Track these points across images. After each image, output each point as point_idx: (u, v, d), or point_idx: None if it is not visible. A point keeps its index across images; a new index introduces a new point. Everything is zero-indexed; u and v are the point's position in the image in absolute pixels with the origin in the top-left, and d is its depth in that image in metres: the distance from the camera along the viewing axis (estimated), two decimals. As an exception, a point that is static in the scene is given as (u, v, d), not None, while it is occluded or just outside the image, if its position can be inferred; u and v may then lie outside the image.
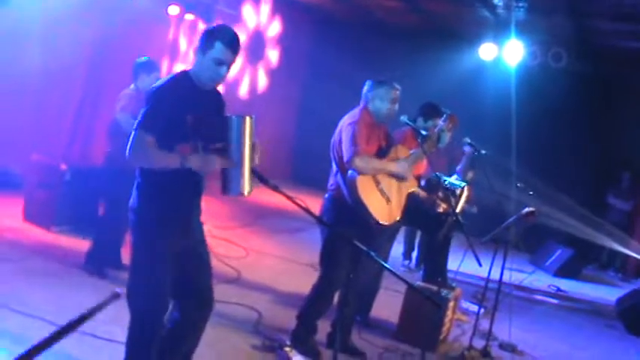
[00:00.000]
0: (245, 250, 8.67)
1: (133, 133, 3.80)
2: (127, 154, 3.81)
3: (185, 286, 4.11)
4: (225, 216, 10.34)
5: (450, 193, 6.68)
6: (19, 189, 8.34)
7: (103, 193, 6.95)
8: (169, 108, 3.82)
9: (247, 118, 3.89)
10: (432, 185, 6.18)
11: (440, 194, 6.46)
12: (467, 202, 9.05)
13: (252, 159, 3.92)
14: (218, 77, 3.96)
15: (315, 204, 5.58)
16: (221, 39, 3.88)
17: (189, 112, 3.86)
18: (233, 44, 3.91)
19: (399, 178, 5.54)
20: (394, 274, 3.66)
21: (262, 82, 14.76)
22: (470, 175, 8.76)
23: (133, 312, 4.05)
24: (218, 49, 3.87)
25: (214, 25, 4.03)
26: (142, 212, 3.98)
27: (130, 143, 3.79)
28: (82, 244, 7.03)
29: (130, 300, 4.02)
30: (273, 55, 14.94)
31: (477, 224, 10.13)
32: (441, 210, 6.60)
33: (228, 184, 3.90)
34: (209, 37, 3.91)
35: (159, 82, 4.02)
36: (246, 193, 3.89)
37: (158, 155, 3.80)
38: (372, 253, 3.58)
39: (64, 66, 9.58)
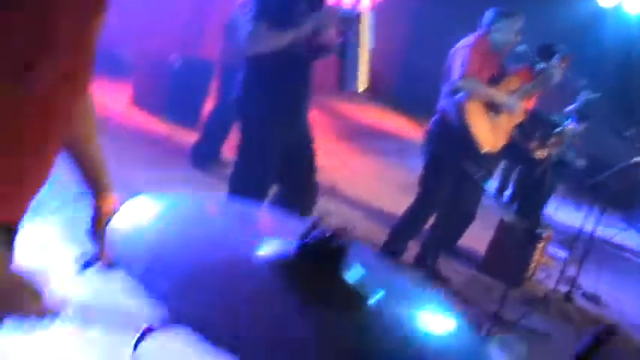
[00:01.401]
0: (342, 163, 8.68)
1: (248, 23, 3.81)
2: (243, 44, 3.83)
3: (289, 178, 4.16)
4: (322, 128, 10.34)
5: (555, 132, 6.50)
6: (126, 74, 8.46)
7: (213, 88, 7.02)
8: None
9: (365, 13, 3.89)
10: (536, 120, 6.03)
11: (540, 135, 6.29)
12: (575, 152, 8.86)
13: (368, 56, 3.93)
14: None
15: (415, 124, 5.54)
16: None
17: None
18: None
19: (508, 110, 5.44)
20: (498, 201, 3.61)
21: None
22: (582, 125, 8.53)
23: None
24: None
25: None
26: (248, 102, 4.04)
27: (246, 34, 3.82)
28: (184, 135, 7.16)
29: (230, 188, 4.11)
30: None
31: (581, 173, 9.93)
32: (539, 154, 6.44)
33: (345, 78, 3.91)
34: None
35: None
36: (360, 89, 3.90)
37: (275, 36, 3.80)
38: (479, 176, 3.54)
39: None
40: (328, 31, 3.89)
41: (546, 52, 6.43)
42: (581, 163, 8.66)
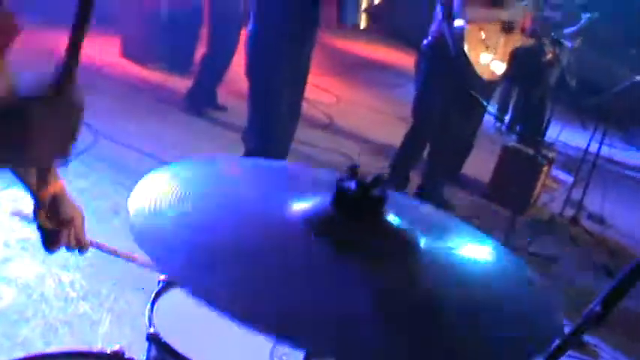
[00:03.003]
0: (337, 98, 8.61)
1: None
2: None
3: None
4: (317, 63, 10.19)
5: (557, 43, 6.40)
6: (117, 24, 8.34)
7: (203, 34, 6.92)
8: None
9: None
10: (538, 33, 5.94)
11: (547, 40, 6.19)
12: (568, 71, 8.78)
13: None
14: None
15: (410, 57, 5.46)
16: None
17: None
18: None
19: (508, 28, 5.34)
20: (498, 125, 3.56)
21: None
22: (578, 42, 8.43)
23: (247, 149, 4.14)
24: None
25: None
26: (260, 28, 4.05)
27: None
28: (177, 82, 7.08)
29: (245, 136, 4.11)
30: None
31: (578, 94, 9.85)
32: (548, 57, 6.33)
33: (344, 12, 3.85)
34: None
35: None
36: (362, 25, 3.83)
37: None
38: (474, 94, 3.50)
39: None
40: None
41: None
42: (572, 83, 8.61)
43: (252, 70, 4.10)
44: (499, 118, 9.31)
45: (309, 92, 8.09)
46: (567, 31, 8.40)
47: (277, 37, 3.99)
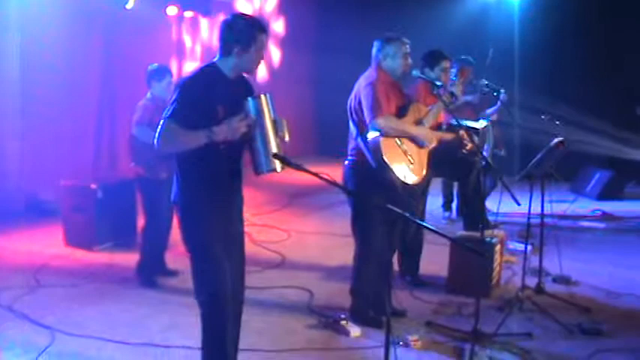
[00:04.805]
0: (286, 232, 8.71)
1: (162, 122, 3.89)
2: (155, 143, 3.90)
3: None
4: (260, 202, 10.39)
5: (473, 133, 6.62)
6: (56, 215, 8.44)
7: (140, 204, 7.02)
8: (199, 99, 3.89)
9: (262, 96, 3.98)
10: (453, 127, 6.17)
11: (463, 132, 6.40)
12: (496, 145, 9.07)
13: (278, 135, 3.96)
14: (259, 63, 4.09)
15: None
16: (258, 28, 3.98)
17: (219, 103, 3.93)
18: (266, 27, 4.05)
19: (420, 143, 5.52)
20: (432, 230, 3.65)
21: (276, 55, 14.87)
22: (494, 116, 8.78)
23: (201, 305, 4.10)
24: (260, 39, 3.98)
25: (228, 18, 4.05)
26: (186, 202, 4.06)
27: (158, 132, 3.88)
28: (126, 258, 7.12)
29: (196, 291, 4.11)
30: (278, 25, 15.06)
31: (510, 164, 10.14)
32: (468, 147, 6.53)
33: (258, 163, 3.95)
34: (246, 32, 3.97)
35: (187, 74, 4.13)
36: (278, 169, 3.92)
37: (185, 135, 3.86)
38: (406, 214, 3.58)
39: (77, 86, 9.75)
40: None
41: (436, 59, 6.57)
42: (502, 153, 8.91)
43: (186, 241, 4.14)
44: (446, 207, 9.50)
45: (259, 234, 8.30)
46: (489, 111, 8.77)
47: (204, 205, 4.06)
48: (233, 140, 3.91)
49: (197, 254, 4.09)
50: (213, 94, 3.93)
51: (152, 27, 10.88)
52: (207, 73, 4.02)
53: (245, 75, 4.17)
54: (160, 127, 3.88)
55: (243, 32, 3.96)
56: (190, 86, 3.95)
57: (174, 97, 3.92)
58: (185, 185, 4.04)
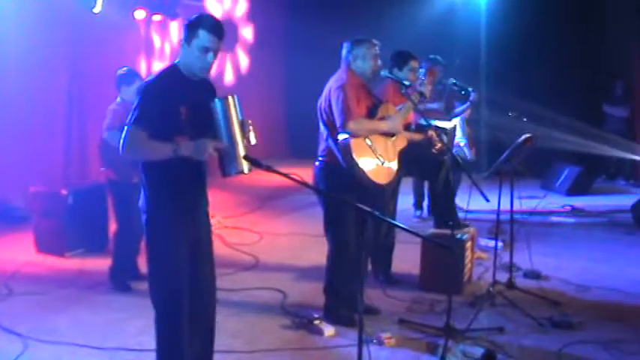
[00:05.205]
0: (258, 235, 8.72)
1: (126, 128, 3.85)
2: (120, 149, 3.87)
3: (194, 283, 4.13)
4: (232, 205, 10.39)
5: (442, 132, 6.67)
6: (27, 222, 8.38)
7: (111, 208, 7.00)
8: (161, 102, 3.86)
9: (229, 98, 3.95)
10: (422, 127, 6.20)
11: (432, 132, 6.44)
12: (470, 144, 9.17)
13: (245, 137, 3.96)
14: (207, 65, 3.96)
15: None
16: (203, 26, 3.91)
17: (182, 104, 3.90)
18: (216, 29, 3.94)
19: (390, 135, 5.58)
20: (403, 228, 3.70)
21: (244, 61, 14.89)
22: (467, 113, 8.89)
23: (155, 307, 4.09)
24: (202, 37, 3.90)
25: (195, 16, 4.03)
26: (152, 209, 4.02)
27: (122, 139, 3.85)
28: (98, 263, 7.07)
29: (152, 296, 4.09)
30: (247, 32, 15.06)
31: (478, 161, 10.23)
32: (437, 147, 6.58)
33: (225, 165, 3.95)
34: (192, 27, 3.92)
35: (149, 78, 4.08)
36: (246, 170, 3.92)
37: (150, 146, 3.84)
38: (376, 213, 3.60)
39: (45, 91, 9.68)
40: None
41: (404, 59, 6.62)
42: (472, 154, 9.01)
43: (148, 246, 4.13)
44: (417, 206, 9.57)
45: (232, 236, 8.30)
46: (458, 109, 8.86)
47: (169, 213, 4.03)
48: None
49: (155, 260, 4.07)
50: (176, 95, 3.91)
51: (120, 30, 10.83)
52: (169, 74, 4.00)
53: (207, 76, 4.13)
54: (124, 133, 3.86)
55: (187, 27, 3.95)
56: (152, 90, 3.93)
57: (136, 103, 3.90)
58: (151, 191, 4.02)
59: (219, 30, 3.94)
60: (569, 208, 10.43)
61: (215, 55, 3.96)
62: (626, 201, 10.39)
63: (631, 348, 5.26)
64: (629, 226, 9.18)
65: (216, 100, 3.93)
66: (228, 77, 14.20)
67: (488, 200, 5.63)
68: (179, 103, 3.90)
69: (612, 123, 13.30)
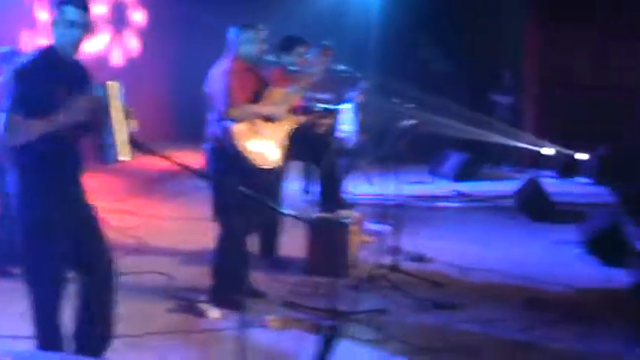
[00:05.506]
0: (142, 218, 8.56)
1: (4, 115, 3.71)
2: (3, 136, 3.73)
3: (82, 260, 4.06)
4: (117, 188, 10.15)
5: (327, 114, 6.70)
6: None
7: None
8: (37, 84, 3.75)
9: (110, 84, 3.83)
10: (308, 109, 6.21)
11: (317, 114, 6.45)
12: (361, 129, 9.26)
13: (125, 124, 3.84)
14: (76, 40, 3.86)
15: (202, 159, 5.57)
16: (68, 1, 3.81)
17: (58, 85, 3.79)
18: (80, 2, 3.85)
19: (275, 119, 5.58)
20: (282, 213, 3.69)
21: (134, 45, 14.62)
22: (360, 98, 8.97)
23: (29, 290, 4.01)
24: (67, 11, 3.80)
25: None
26: (22, 193, 3.90)
27: (3, 126, 3.70)
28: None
29: (24, 280, 4.00)
30: (138, 16, 14.76)
31: (369, 147, 10.34)
32: (323, 129, 6.58)
33: (104, 153, 3.82)
34: (58, 4, 3.83)
35: (23, 59, 3.92)
36: (125, 158, 3.80)
37: (33, 126, 3.69)
38: (261, 196, 3.59)
39: None
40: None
41: (292, 44, 6.62)
42: (363, 138, 9.10)
43: (20, 225, 4.01)
44: (306, 190, 9.57)
45: (114, 219, 8.10)
46: (351, 93, 8.91)
47: (40, 192, 3.90)
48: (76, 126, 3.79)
49: (26, 237, 3.98)
50: (51, 76, 3.81)
51: (3, 5, 10.42)
52: (43, 56, 3.88)
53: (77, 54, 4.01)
54: (4, 120, 3.72)
55: (54, 4, 3.87)
56: (27, 73, 3.80)
57: (12, 86, 3.77)
58: (21, 173, 3.90)
59: (83, 3, 3.86)
60: (456, 193, 10.66)
61: (84, 30, 3.88)
62: (510, 186, 10.69)
63: (510, 326, 5.40)
64: (512, 211, 9.43)
65: (97, 85, 3.82)
66: (117, 60, 13.86)
67: (372, 184, 5.68)
68: (55, 84, 3.80)
69: (500, 110, 13.72)
